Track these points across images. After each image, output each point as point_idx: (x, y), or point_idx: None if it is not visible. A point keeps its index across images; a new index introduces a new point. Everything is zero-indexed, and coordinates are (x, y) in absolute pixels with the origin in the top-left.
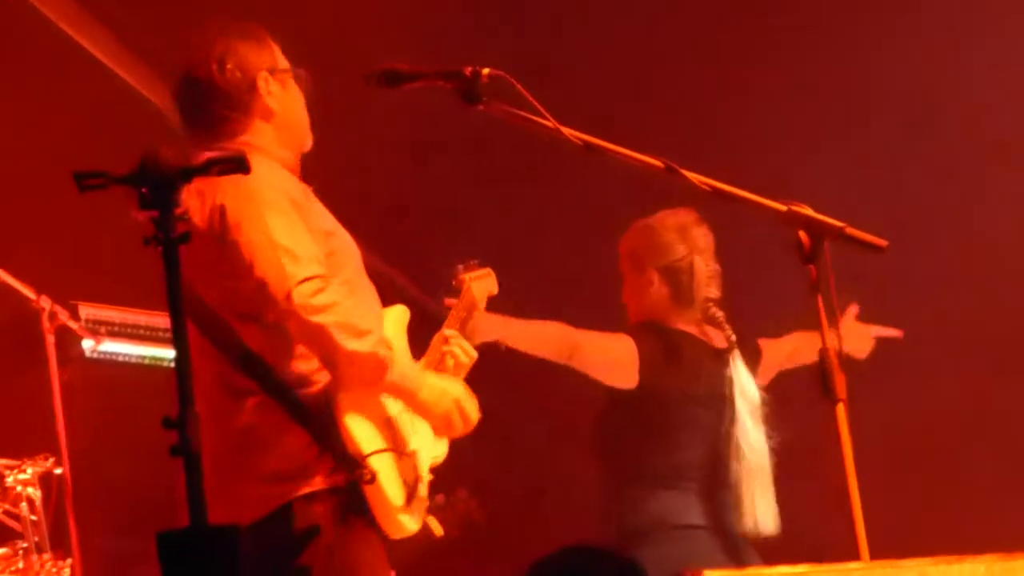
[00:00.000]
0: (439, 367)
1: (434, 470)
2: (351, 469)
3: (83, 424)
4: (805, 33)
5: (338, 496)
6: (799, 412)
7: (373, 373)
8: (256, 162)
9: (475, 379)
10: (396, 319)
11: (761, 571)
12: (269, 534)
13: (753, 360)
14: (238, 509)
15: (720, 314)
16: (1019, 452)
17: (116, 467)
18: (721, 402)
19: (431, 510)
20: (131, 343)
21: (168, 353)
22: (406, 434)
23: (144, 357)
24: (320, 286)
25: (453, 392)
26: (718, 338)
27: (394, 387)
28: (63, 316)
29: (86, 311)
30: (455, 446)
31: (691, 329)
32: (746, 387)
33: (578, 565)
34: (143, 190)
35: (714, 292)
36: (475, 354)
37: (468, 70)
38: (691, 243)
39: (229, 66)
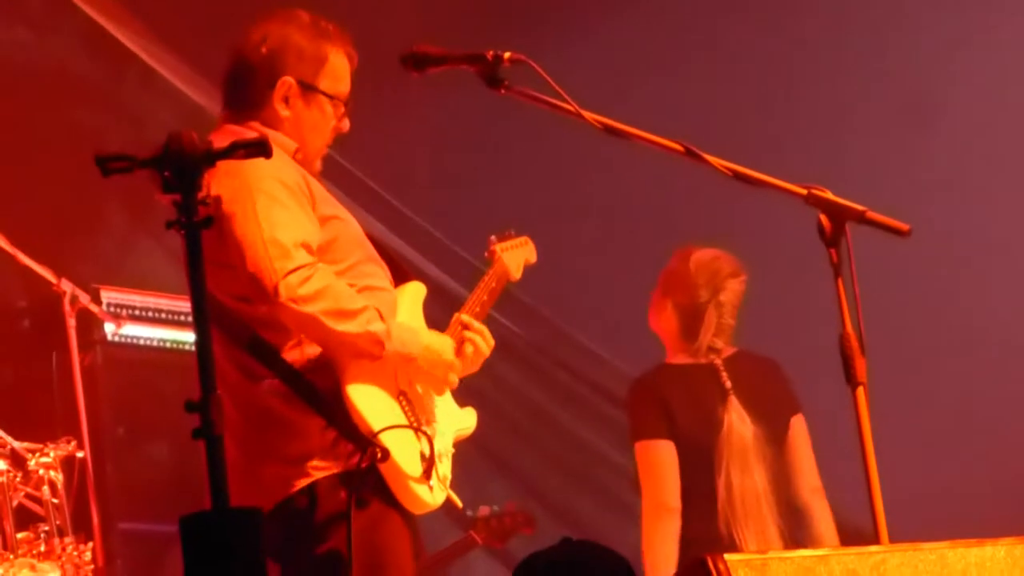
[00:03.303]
0: (458, 352)
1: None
2: (363, 449)
3: (105, 408)
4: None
5: (358, 477)
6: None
7: (371, 349)
8: None
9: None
10: (411, 295)
11: (782, 554)
12: (293, 515)
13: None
14: (264, 489)
15: (719, 362)
16: None
17: (138, 450)
18: (716, 438)
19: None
20: (152, 327)
21: (189, 336)
22: (426, 406)
23: (165, 341)
24: (307, 274)
25: (447, 356)
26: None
27: (396, 356)
28: (84, 300)
29: (107, 295)
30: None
31: (701, 360)
32: (736, 429)
33: (575, 557)
34: (166, 173)
35: (719, 344)
36: (492, 342)
37: (490, 54)
38: (714, 292)
39: (264, 50)
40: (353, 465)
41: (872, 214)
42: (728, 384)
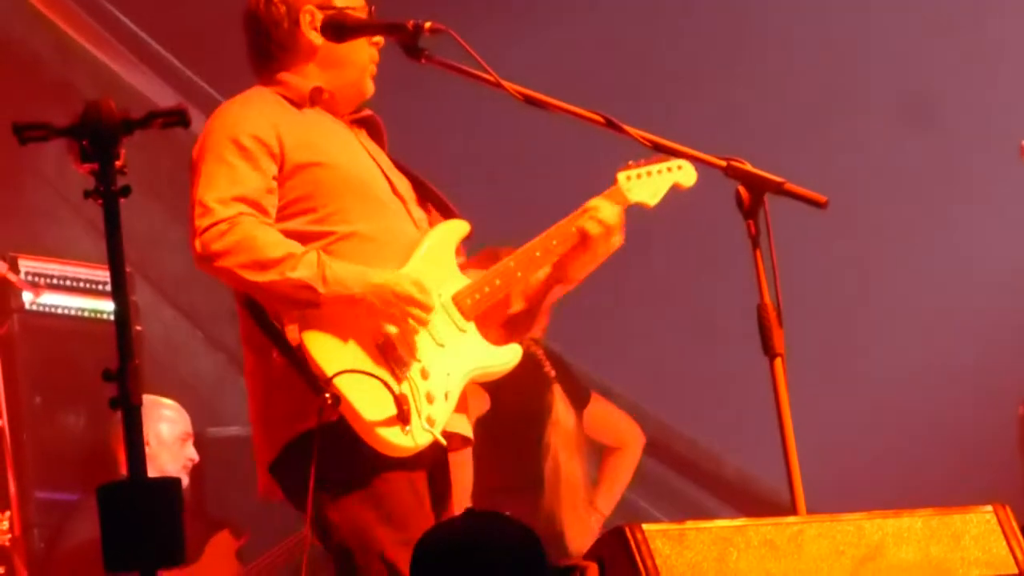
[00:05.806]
0: (578, 241)
1: None
2: (317, 394)
3: (22, 377)
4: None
5: (328, 430)
6: None
7: (301, 295)
8: (239, 100)
9: None
10: (446, 231)
11: (700, 524)
12: (278, 475)
13: (579, 399)
14: (260, 452)
15: (540, 352)
16: (957, 407)
17: (55, 420)
18: (545, 423)
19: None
20: (71, 296)
21: (108, 306)
22: (409, 348)
23: (84, 310)
24: (224, 229)
25: (404, 291)
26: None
27: (337, 299)
28: (2, 268)
29: (26, 264)
30: None
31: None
32: (562, 417)
33: (480, 530)
34: (84, 142)
35: (537, 333)
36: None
37: (410, 23)
38: None
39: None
40: (324, 419)
41: (790, 186)
42: (552, 372)
